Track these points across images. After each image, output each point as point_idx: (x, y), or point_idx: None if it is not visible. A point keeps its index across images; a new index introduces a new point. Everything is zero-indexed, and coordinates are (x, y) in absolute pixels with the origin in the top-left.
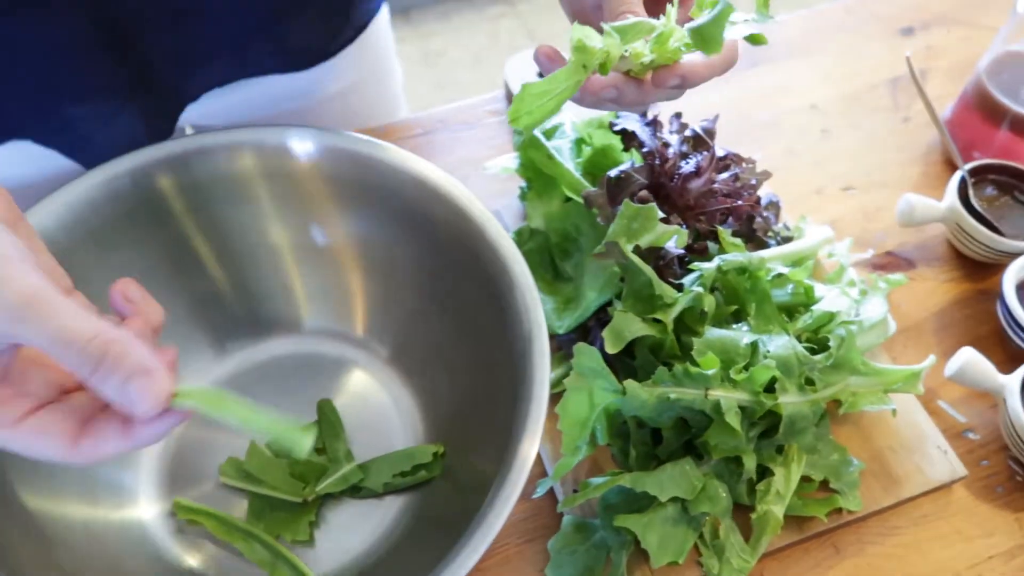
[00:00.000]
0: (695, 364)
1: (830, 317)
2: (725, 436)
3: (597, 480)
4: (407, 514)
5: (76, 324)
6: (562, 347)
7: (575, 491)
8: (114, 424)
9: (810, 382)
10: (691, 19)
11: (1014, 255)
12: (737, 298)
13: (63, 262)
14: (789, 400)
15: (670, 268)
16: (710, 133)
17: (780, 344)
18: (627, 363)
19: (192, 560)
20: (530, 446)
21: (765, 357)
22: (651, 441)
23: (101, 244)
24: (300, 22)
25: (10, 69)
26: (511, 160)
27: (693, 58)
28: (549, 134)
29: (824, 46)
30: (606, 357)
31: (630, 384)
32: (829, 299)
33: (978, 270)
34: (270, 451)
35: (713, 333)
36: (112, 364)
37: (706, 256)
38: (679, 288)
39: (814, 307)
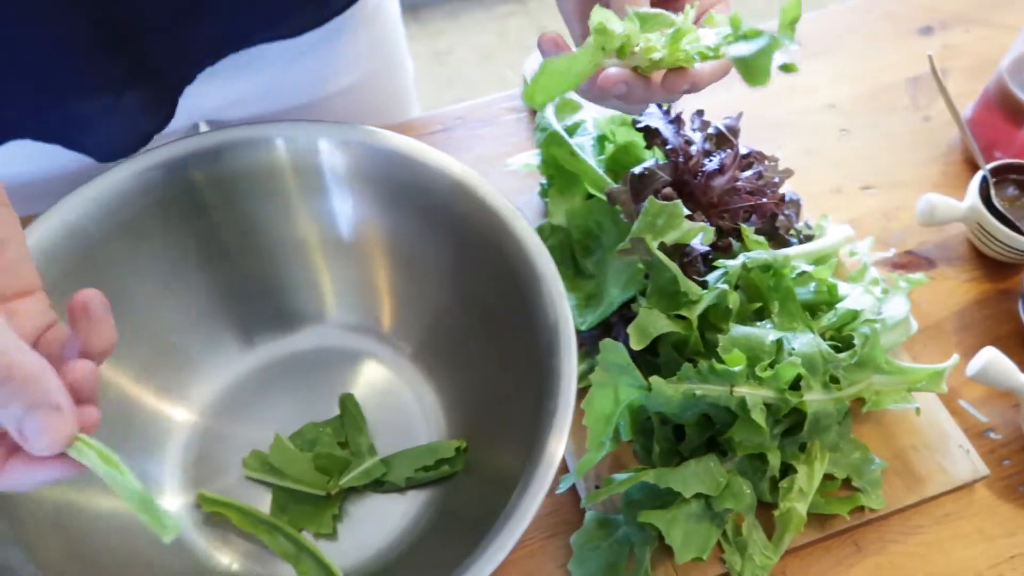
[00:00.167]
0: (720, 361)
1: (854, 315)
2: (750, 433)
3: (620, 476)
4: (430, 509)
5: None
6: (584, 343)
7: (597, 487)
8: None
9: (834, 380)
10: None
11: None
12: (760, 296)
13: (94, 254)
14: (814, 398)
15: (694, 265)
16: (734, 131)
17: (805, 342)
18: (649, 360)
19: (216, 552)
20: (557, 444)
21: (790, 355)
22: (674, 438)
23: (131, 236)
24: None
25: (8, 69)
26: (533, 157)
27: (703, 65)
28: (571, 131)
29: (842, 45)
30: (629, 354)
31: (656, 380)
32: (853, 297)
33: (999, 270)
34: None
35: (738, 330)
36: (17, 388)
37: (730, 253)
38: (703, 285)
39: (838, 305)
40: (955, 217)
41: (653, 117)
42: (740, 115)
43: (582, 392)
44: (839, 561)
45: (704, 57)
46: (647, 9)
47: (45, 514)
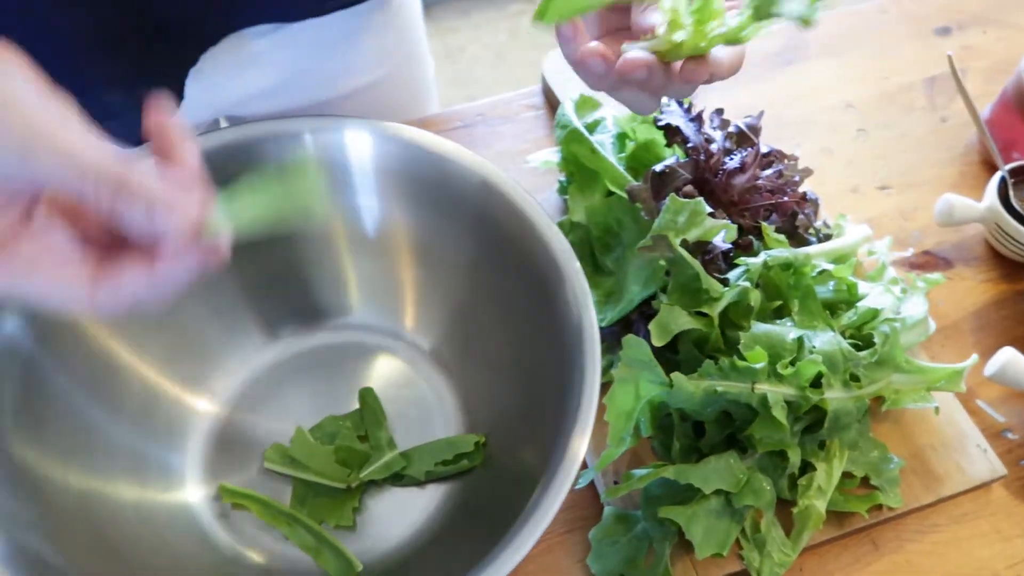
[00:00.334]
0: (741, 358)
1: (874, 314)
2: (770, 430)
3: (640, 472)
4: (448, 503)
5: (93, 151)
6: (603, 340)
7: (616, 482)
8: (136, 265)
9: (855, 378)
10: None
11: None
12: (780, 294)
13: None
14: (835, 395)
15: (715, 263)
16: (754, 129)
17: (825, 340)
18: (668, 357)
19: (237, 543)
20: (580, 442)
21: (811, 352)
22: (693, 434)
23: None
24: None
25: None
26: (552, 154)
27: (718, 54)
28: (591, 128)
29: (859, 45)
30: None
31: (677, 377)
32: (873, 296)
33: (1017, 270)
34: (313, 438)
35: (759, 328)
36: (136, 188)
37: (751, 251)
38: (724, 283)
39: (858, 304)
40: (973, 218)
41: (673, 115)
42: (761, 114)
43: (601, 388)
44: (856, 559)
45: (726, 40)
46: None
47: (70, 501)
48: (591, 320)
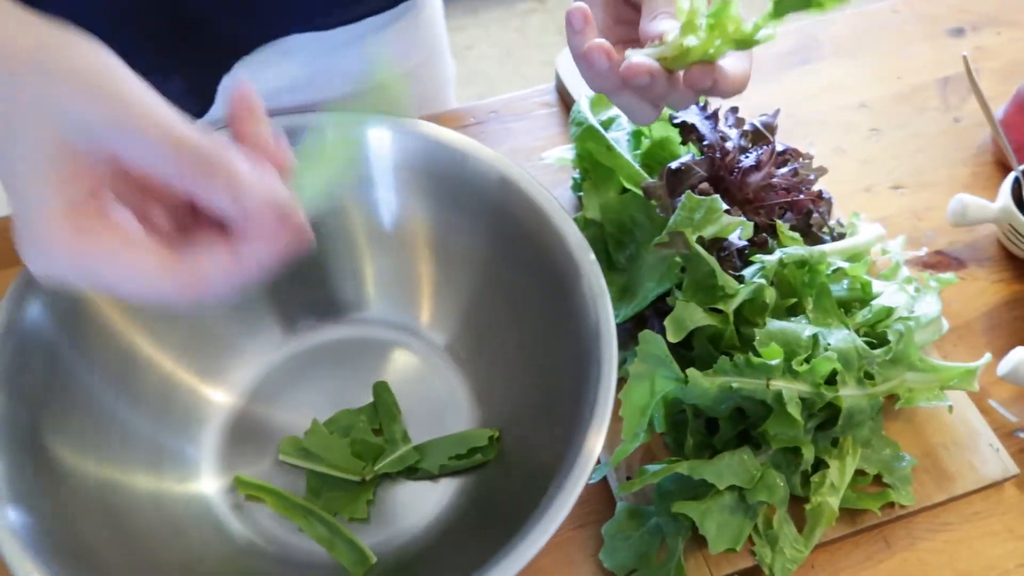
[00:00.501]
0: (756, 354)
1: (888, 312)
2: (785, 426)
3: (654, 467)
4: (462, 497)
5: (182, 128)
6: (618, 337)
7: (629, 478)
8: (217, 249)
9: (869, 376)
10: None
11: None
12: (794, 291)
13: None
14: (849, 393)
15: (730, 260)
16: (770, 128)
17: (840, 337)
18: (681, 353)
19: (252, 535)
20: (596, 438)
21: (826, 350)
22: (706, 431)
23: None
24: None
25: None
26: (567, 151)
27: (724, 65)
28: (606, 125)
29: (872, 45)
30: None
31: (692, 373)
32: (887, 295)
33: None
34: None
35: (774, 325)
36: (223, 165)
37: (766, 249)
38: (739, 280)
39: (873, 302)
40: (987, 218)
41: (689, 113)
42: (777, 112)
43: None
44: (868, 556)
45: (738, 42)
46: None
47: (90, 490)
48: (608, 315)
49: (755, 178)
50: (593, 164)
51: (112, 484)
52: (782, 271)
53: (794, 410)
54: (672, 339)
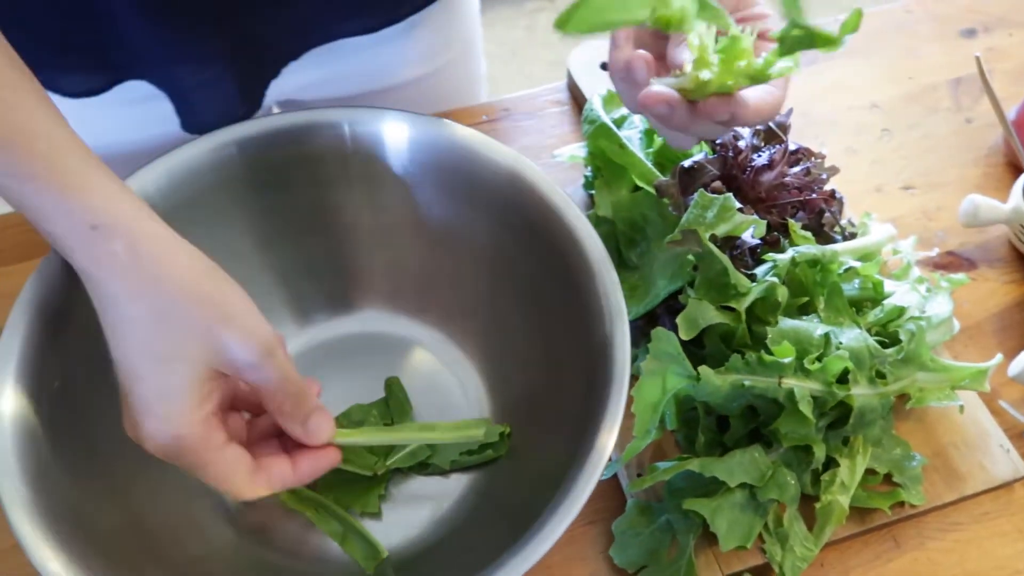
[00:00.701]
0: (768, 353)
1: (900, 312)
2: (796, 425)
3: (665, 464)
4: (472, 492)
5: (291, 366)
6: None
7: (639, 474)
8: (282, 460)
9: (880, 375)
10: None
11: None
12: (806, 290)
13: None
14: (861, 392)
15: (743, 259)
16: (783, 127)
17: (852, 336)
18: (693, 351)
19: (265, 527)
20: (608, 436)
21: (838, 348)
22: (717, 428)
23: (198, 211)
24: None
25: (122, 24)
26: (579, 149)
27: (746, 95)
28: (619, 123)
29: (884, 46)
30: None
31: (704, 370)
32: (899, 294)
33: None
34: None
35: (786, 323)
36: (306, 401)
37: (778, 248)
38: (751, 278)
39: (885, 302)
40: (998, 219)
41: None
42: (790, 111)
43: None
44: (878, 555)
45: (751, 77)
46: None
47: (108, 483)
48: (621, 312)
49: (768, 177)
50: (605, 162)
51: (126, 474)
52: (794, 270)
53: (806, 408)
54: (684, 336)
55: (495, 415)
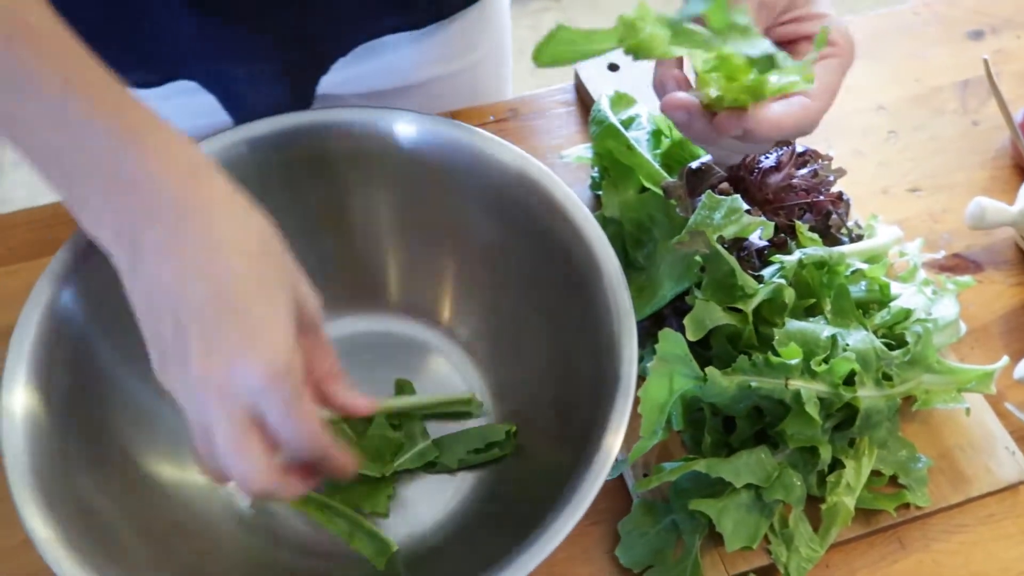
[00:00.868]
0: (775, 354)
1: (906, 314)
2: (802, 426)
3: (671, 465)
4: (480, 491)
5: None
6: None
7: (645, 474)
8: (301, 471)
9: (887, 377)
10: None
11: None
12: (812, 292)
13: None
14: (867, 394)
15: (750, 260)
16: None
17: (859, 338)
18: (699, 352)
19: (273, 526)
20: (615, 437)
21: (844, 350)
22: (723, 429)
23: None
24: None
25: (173, 21)
26: (586, 150)
27: (761, 111)
28: (626, 124)
29: (891, 48)
30: None
31: (711, 371)
32: (905, 297)
33: None
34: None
35: (793, 325)
36: (325, 446)
37: (785, 249)
38: (758, 280)
39: (891, 304)
40: (1005, 221)
41: None
42: None
43: None
44: (882, 556)
45: (750, 94)
46: (690, 25)
47: (112, 479)
48: (628, 313)
49: (775, 179)
50: (612, 163)
51: (136, 472)
52: (801, 272)
53: (812, 410)
54: (691, 337)
55: (502, 414)
